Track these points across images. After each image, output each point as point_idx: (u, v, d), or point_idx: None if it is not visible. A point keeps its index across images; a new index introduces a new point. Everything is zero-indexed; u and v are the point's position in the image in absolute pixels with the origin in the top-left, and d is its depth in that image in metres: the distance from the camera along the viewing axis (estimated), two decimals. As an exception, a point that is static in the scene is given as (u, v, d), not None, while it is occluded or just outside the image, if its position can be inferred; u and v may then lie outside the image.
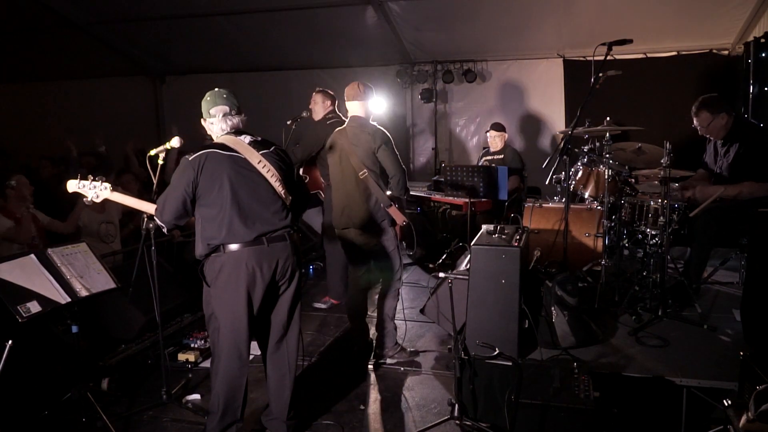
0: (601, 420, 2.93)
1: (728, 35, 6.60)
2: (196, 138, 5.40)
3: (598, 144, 5.03)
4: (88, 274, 3.31)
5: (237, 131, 2.88)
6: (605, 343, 3.77)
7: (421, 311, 4.45)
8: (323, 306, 4.95)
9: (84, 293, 3.19)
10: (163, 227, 2.88)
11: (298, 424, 3.08)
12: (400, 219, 3.84)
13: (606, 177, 4.50)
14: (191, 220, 2.87)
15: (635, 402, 3.28)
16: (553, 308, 3.69)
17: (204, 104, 2.88)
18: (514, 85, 7.77)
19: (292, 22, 7.15)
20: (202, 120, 2.92)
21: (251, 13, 6.98)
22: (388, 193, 3.83)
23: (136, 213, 3.65)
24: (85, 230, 4.96)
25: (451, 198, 5.86)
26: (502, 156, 6.37)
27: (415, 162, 8.37)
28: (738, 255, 4.86)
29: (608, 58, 4.22)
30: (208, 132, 2.94)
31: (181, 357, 3.98)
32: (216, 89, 2.90)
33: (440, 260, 6.07)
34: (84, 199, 3.08)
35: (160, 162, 3.21)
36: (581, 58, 7.19)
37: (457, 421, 3.04)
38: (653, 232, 4.25)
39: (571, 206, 4.80)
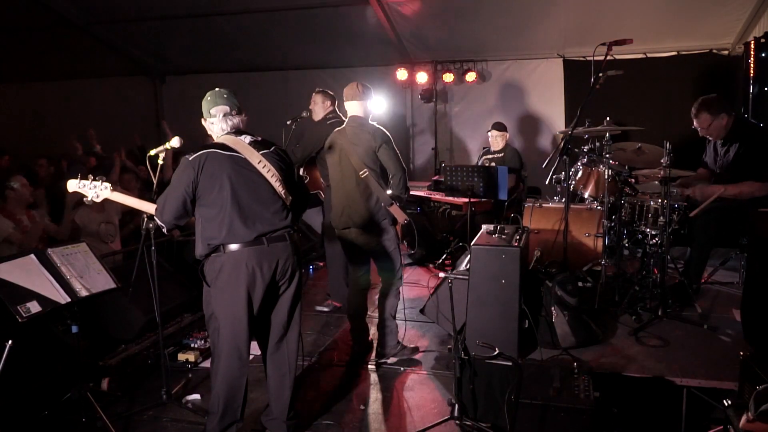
0: (601, 420, 2.93)
1: (728, 35, 6.61)
2: (197, 138, 5.41)
3: (598, 144, 5.03)
4: (88, 274, 3.31)
5: (237, 131, 2.88)
6: (605, 343, 3.78)
7: (421, 311, 4.45)
8: (325, 309, 4.93)
9: (84, 293, 3.19)
10: (163, 227, 2.88)
11: (298, 424, 3.08)
12: (401, 217, 3.84)
13: (606, 177, 4.50)
14: (191, 220, 2.87)
15: (635, 402, 3.28)
16: (553, 308, 3.69)
17: (204, 104, 2.87)
18: (514, 85, 7.78)
19: (292, 22, 7.16)
20: (202, 120, 2.92)
21: (251, 13, 6.98)
22: (389, 192, 3.83)
23: (137, 212, 3.64)
24: (85, 230, 4.96)
25: (451, 198, 5.86)
26: (502, 155, 6.38)
27: (415, 162, 8.37)
28: (738, 255, 4.86)
29: (608, 58, 4.22)
30: (209, 132, 2.94)
31: (181, 357, 3.98)
32: (216, 89, 2.90)
33: (440, 260, 6.08)
34: (84, 198, 3.08)
35: (160, 162, 3.21)
36: (581, 58, 7.20)
37: (457, 421, 3.05)
38: (653, 232, 4.25)
39: (571, 206, 4.80)
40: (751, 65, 5.72)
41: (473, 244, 3.61)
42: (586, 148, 4.97)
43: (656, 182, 4.40)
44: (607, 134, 4.60)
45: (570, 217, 4.64)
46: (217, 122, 2.86)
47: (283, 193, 2.86)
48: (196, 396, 3.51)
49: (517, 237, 3.69)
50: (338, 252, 4.49)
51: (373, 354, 4.04)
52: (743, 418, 2.18)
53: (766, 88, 5.67)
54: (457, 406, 3.06)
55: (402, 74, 7.81)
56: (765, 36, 5.56)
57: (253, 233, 2.75)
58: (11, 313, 2.86)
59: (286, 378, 2.98)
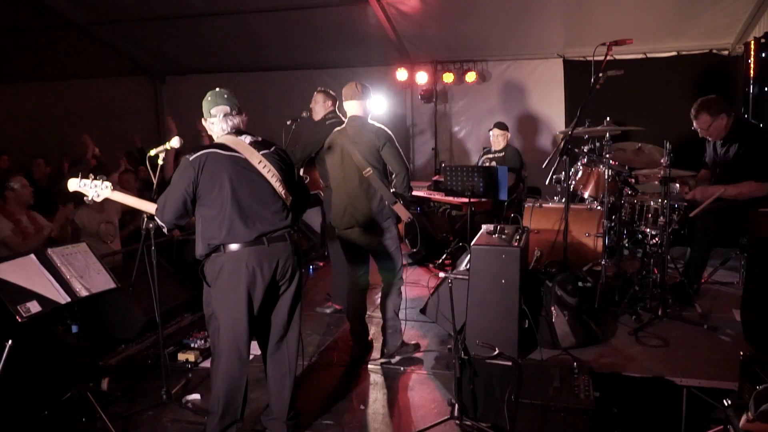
0: (601, 420, 2.93)
1: (728, 35, 6.61)
2: (199, 138, 5.41)
3: (598, 144, 5.03)
4: (88, 274, 3.31)
5: (237, 131, 2.88)
6: (605, 343, 3.78)
7: (421, 311, 4.45)
8: (326, 311, 4.93)
9: (84, 293, 3.19)
10: (163, 227, 2.88)
11: (298, 423, 3.08)
12: (405, 215, 3.85)
13: (606, 177, 4.50)
14: (191, 219, 2.87)
15: (635, 402, 3.28)
16: (553, 308, 3.69)
17: (205, 104, 2.88)
18: (514, 85, 7.78)
19: (292, 22, 7.16)
20: (202, 120, 2.92)
21: (251, 13, 6.98)
22: (392, 190, 3.84)
23: (137, 213, 3.65)
24: (85, 230, 4.96)
25: (451, 198, 5.86)
26: (503, 154, 6.38)
27: (415, 162, 8.37)
28: (738, 255, 4.86)
29: (608, 58, 4.22)
30: (209, 132, 2.94)
31: (181, 357, 3.97)
32: (217, 89, 2.90)
33: (440, 260, 6.08)
34: (85, 198, 3.08)
35: (160, 162, 3.21)
36: (581, 58, 7.20)
37: (457, 421, 3.05)
38: (653, 232, 4.25)
39: (571, 206, 4.80)
40: (751, 65, 5.73)
41: (473, 244, 3.61)
42: (586, 148, 4.96)
43: (656, 182, 4.40)
44: (607, 134, 4.60)
45: (570, 217, 4.64)
46: (217, 122, 2.86)
47: (283, 193, 2.86)
48: (196, 396, 3.51)
49: (517, 237, 3.69)
50: (341, 254, 4.49)
51: (374, 354, 4.05)
52: (743, 418, 2.19)
53: (766, 88, 5.67)
54: (457, 406, 3.06)
55: (402, 74, 7.81)
56: (765, 36, 5.57)
57: (254, 233, 2.75)
58: (11, 313, 2.86)
59: (286, 378, 2.98)
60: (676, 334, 3.83)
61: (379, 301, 5.07)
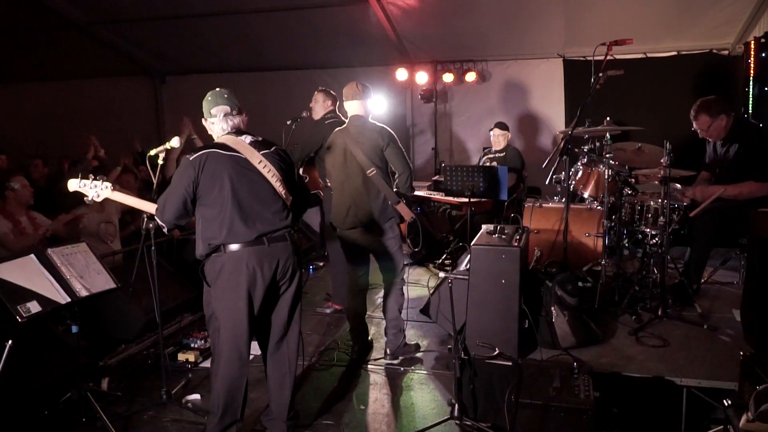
0: (601, 420, 2.93)
1: (728, 35, 6.61)
2: (200, 137, 5.41)
3: (598, 144, 5.03)
4: (88, 274, 3.30)
5: (238, 131, 2.88)
6: (605, 343, 3.78)
7: (422, 311, 4.45)
8: (326, 311, 4.93)
9: (84, 293, 3.19)
10: (163, 227, 2.88)
11: (298, 424, 3.08)
12: (408, 215, 3.85)
13: (606, 177, 4.50)
14: (192, 219, 2.87)
15: (635, 402, 3.28)
16: (553, 308, 3.69)
17: (205, 104, 2.88)
18: (514, 85, 7.78)
19: (292, 22, 7.16)
20: (203, 120, 2.92)
21: (251, 13, 6.98)
22: (394, 190, 3.84)
23: (138, 213, 3.65)
24: (85, 230, 4.96)
25: (451, 198, 5.86)
26: (503, 154, 6.39)
27: (415, 162, 8.37)
28: (738, 255, 4.86)
29: (608, 58, 4.22)
30: (209, 132, 2.94)
31: (181, 357, 3.97)
32: (217, 89, 2.90)
33: (440, 260, 6.08)
34: (85, 198, 3.08)
35: (160, 162, 3.21)
36: (581, 58, 7.20)
37: (457, 421, 3.05)
38: (653, 232, 4.25)
39: (571, 206, 4.80)
40: (751, 65, 5.73)
41: (473, 244, 3.61)
42: (586, 148, 4.97)
43: (656, 182, 4.40)
44: (607, 134, 4.60)
45: (570, 217, 4.64)
46: (217, 122, 2.86)
47: (283, 193, 2.86)
48: (196, 396, 3.51)
49: (517, 237, 3.69)
50: (341, 255, 4.49)
51: (374, 354, 4.05)
52: (743, 418, 2.19)
53: (766, 88, 5.67)
54: (457, 406, 3.06)
55: (402, 74, 7.81)
56: (765, 36, 5.57)
57: (254, 233, 2.75)
58: (11, 313, 2.86)
59: (286, 378, 2.98)
60: (676, 334, 3.83)
61: (379, 301, 5.09)
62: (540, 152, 7.49)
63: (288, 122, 4.81)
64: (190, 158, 2.73)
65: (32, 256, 3.17)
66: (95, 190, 3.06)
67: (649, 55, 7.00)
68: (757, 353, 3.00)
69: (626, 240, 4.96)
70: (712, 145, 4.62)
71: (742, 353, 2.76)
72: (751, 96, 5.78)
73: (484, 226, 3.99)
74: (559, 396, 2.88)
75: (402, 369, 3.82)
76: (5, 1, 6.80)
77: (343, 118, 4.70)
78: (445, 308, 4.09)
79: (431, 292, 4.34)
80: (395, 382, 3.69)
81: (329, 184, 4.35)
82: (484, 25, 6.90)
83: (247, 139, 2.86)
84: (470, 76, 7.69)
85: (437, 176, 6.86)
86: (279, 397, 2.99)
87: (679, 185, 4.45)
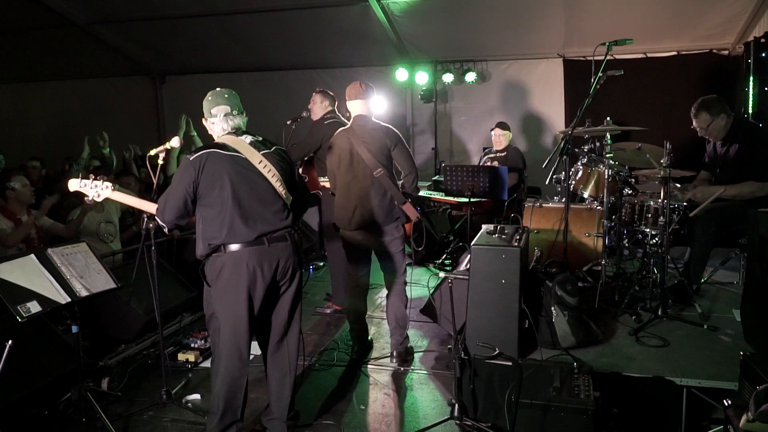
0: (601, 420, 2.93)
1: (728, 35, 6.61)
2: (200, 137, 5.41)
3: (598, 144, 5.02)
4: (88, 274, 3.31)
5: (238, 131, 2.88)
6: (605, 343, 3.78)
7: (422, 311, 4.45)
8: (326, 311, 4.92)
9: (84, 293, 3.19)
10: (164, 227, 2.88)
11: (298, 424, 3.08)
12: (413, 215, 3.85)
13: (606, 177, 4.50)
14: (192, 219, 2.87)
15: (635, 402, 3.28)
16: (553, 308, 3.69)
17: (205, 104, 2.88)
18: (514, 85, 7.78)
19: (292, 22, 7.16)
20: (203, 119, 2.92)
21: (251, 13, 6.98)
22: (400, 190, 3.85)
23: (139, 215, 3.65)
24: (85, 230, 4.96)
25: (451, 198, 5.86)
26: (504, 154, 6.39)
27: (415, 162, 8.36)
28: (738, 255, 4.86)
29: (608, 57, 4.22)
30: (209, 132, 2.94)
31: (181, 357, 3.97)
32: (217, 89, 2.90)
33: (440, 260, 6.08)
34: (85, 198, 3.08)
35: (160, 162, 3.21)
36: (581, 58, 7.20)
37: (457, 421, 3.05)
38: (653, 232, 4.25)
39: (571, 206, 4.81)
40: (751, 65, 5.73)
41: (473, 244, 3.61)
42: (586, 148, 4.97)
43: (656, 182, 4.40)
44: (607, 134, 4.60)
45: (570, 217, 4.64)
46: (218, 122, 2.86)
47: (283, 193, 2.86)
48: (196, 396, 3.51)
49: (517, 237, 3.69)
50: (341, 255, 4.48)
51: (374, 354, 4.05)
52: (743, 418, 2.18)
53: (766, 88, 5.67)
54: (457, 406, 3.06)
55: (402, 74, 7.82)
56: (765, 36, 5.57)
57: (254, 233, 2.75)
58: (11, 313, 2.86)
59: (286, 378, 2.98)
60: (676, 334, 3.83)
61: (379, 301, 5.10)
62: (540, 152, 7.49)
63: (288, 122, 4.81)
64: (191, 158, 2.73)
65: (32, 256, 3.17)
66: (95, 189, 3.06)
67: (649, 55, 7.00)
68: (757, 353, 3.00)
69: (626, 240, 4.96)
70: (712, 144, 4.62)
71: (742, 353, 2.76)
72: (751, 96, 5.78)
73: (484, 226, 3.99)
74: (559, 396, 2.88)
75: (402, 369, 3.82)
76: (5, 1, 6.80)
77: (342, 119, 4.71)
78: (445, 308, 4.09)
79: (431, 292, 4.34)
80: (395, 382, 3.69)
81: (327, 185, 4.35)
82: (484, 25, 6.90)
83: (248, 139, 2.86)
84: (470, 76, 7.69)
85: (437, 176, 6.87)
86: (279, 397, 2.99)
87: (678, 185, 4.45)
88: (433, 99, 8.00)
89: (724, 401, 2.46)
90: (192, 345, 4.10)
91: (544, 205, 5.12)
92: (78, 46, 8.00)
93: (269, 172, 2.82)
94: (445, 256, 6.11)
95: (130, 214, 5.50)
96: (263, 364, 3.05)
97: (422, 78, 7.84)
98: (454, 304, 3.25)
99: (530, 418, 2.89)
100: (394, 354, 3.90)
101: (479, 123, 7.94)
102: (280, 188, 2.84)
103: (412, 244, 4.08)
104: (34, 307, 2.95)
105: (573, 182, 4.85)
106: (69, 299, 3.10)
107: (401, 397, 3.51)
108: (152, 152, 3.25)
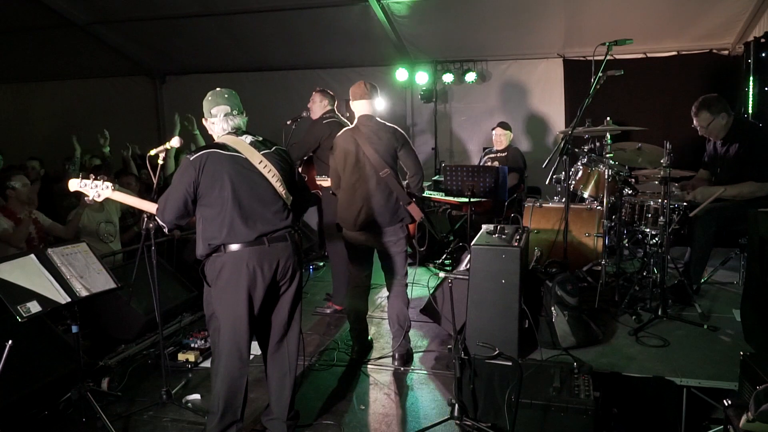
0: (601, 420, 2.93)
1: (728, 35, 6.61)
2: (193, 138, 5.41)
3: (598, 144, 5.03)
4: (88, 274, 3.31)
5: (238, 131, 2.88)
6: (605, 343, 3.78)
7: (422, 311, 4.45)
8: (326, 311, 4.92)
9: (84, 293, 3.19)
10: (164, 227, 2.88)
11: (298, 424, 3.08)
12: (418, 215, 3.85)
13: (606, 177, 4.50)
14: (192, 219, 2.87)
15: (635, 402, 3.28)
16: (553, 308, 3.69)
17: (205, 104, 2.88)
18: (514, 85, 7.78)
19: (293, 22, 7.16)
20: (203, 119, 2.92)
21: (251, 12, 6.98)
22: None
23: (140, 216, 3.64)
24: (85, 230, 4.96)
25: (451, 198, 5.86)
26: (505, 154, 6.39)
27: (419, 163, 8.37)
28: (738, 255, 4.86)
29: (608, 57, 4.22)
30: (209, 131, 2.94)
31: (181, 357, 3.97)
32: (218, 89, 2.90)
33: (440, 260, 6.08)
34: (85, 198, 3.08)
35: (160, 162, 3.21)
36: (581, 58, 7.20)
37: (457, 421, 3.05)
38: (653, 232, 4.25)
39: (571, 206, 4.80)
40: (751, 65, 5.73)
41: (473, 244, 3.60)
42: (586, 148, 4.97)
43: (656, 182, 4.40)
44: (608, 134, 4.60)
45: (570, 217, 4.64)
46: (218, 122, 2.86)
47: (283, 193, 2.86)
48: (196, 396, 3.51)
49: (517, 237, 3.69)
50: (342, 255, 4.47)
51: (374, 354, 4.05)
52: (743, 418, 2.18)
53: (766, 88, 5.67)
54: (457, 406, 3.06)
55: (402, 74, 7.82)
56: (765, 36, 5.56)
57: (254, 233, 2.75)
58: (11, 313, 2.86)
59: (286, 378, 2.98)
60: (676, 334, 3.83)
61: (379, 301, 5.10)
62: (540, 152, 7.49)
63: (288, 122, 4.81)
64: (191, 158, 2.73)
65: (32, 256, 3.17)
66: (96, 190, 3.06)
67: (649, 55, 7.00)
68: (757, 353, 3.00)
69: (626, 240, 4.96)
70: (712, 144, 4.62)
71: (742, 353, 2.76)
72: (751, 96, 5.78)
73: (484, 226, 3.99)
74: (559, 396, 2.88)
75: (402, 369, 3.82)
76: (5, 1, 6.80)
77: (342, 118, 4.71)
78: (445, 308, 4.10)
79: (431, 292, 4.34)
80: (395, 382, 3.69)
81: (325, 184, 4.35)
82: (484, 25, 6.90)
83: (248, 138, 2.86)
84: (470, 76, 7.69)
85: (437, 176, 6.87)
86: (279, 397, 2.99)
87: (676, 184, 4.45)
88: (433, 99, 8.00)
89: (724, 401, 2.46)
90: (192, 345, 4.10)
91: (544, 205, 5.12)
92: (78, 46, 8.00)
93: (269, 172, 2.81)
94: (445, 256, 6.11)
95: (131, 215, 5.50)
96: (263, 364, 3.05)
97: (422, 78, 7.84)
98: (454, 304, 3.25)
99: (530, 418, 2.89)
100: (396, 356, 3.90)
101: (479, 123, 7.94)
102: (280, 188, 2.84)
103: (415, 245, 4.07)
104: (34, 307, 2.95)
105: (573, 182, 4.85)
106: (69, 299, 3.10)
107: (401, 397, 3.51)
108: (152, 152, 3.25)
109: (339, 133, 3.93)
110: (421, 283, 5.44)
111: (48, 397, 3.35)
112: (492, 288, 3.48)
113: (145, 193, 5.56)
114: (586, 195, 4.89)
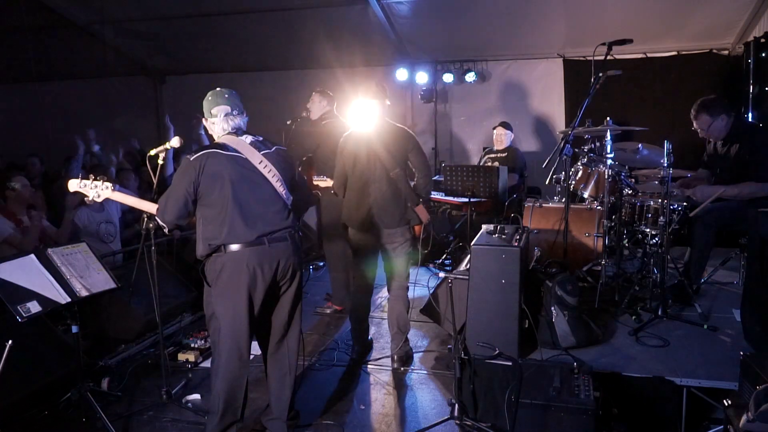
0: (601, 420, 2.93)
1: (728, 35, 6.61)
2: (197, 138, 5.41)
3: (598, 144, 5.02)
4: (88, 274, 3.31)
5: (238, 131, 2.88)
6: (605, 343, 3.78)
7: (422, 311, 4.45)
8: (326, 311, 4.92)
9: (84, 293, 3.19)
10: (164, 227, 2.88)
11: (298, 424, 3.08)
12: (425, 217, 3.86)
13: (606, 177, 4.50)
14: (192, 219, 2.87)
15: (635, 402, 3.28)
16: (553, 308, 3.69)
17: (206, 104, 2.88)
18: (514, 85, 7.78)
19: (292, 22, 7.16)
20: (203, 119, 2.92)
21: (251, 13, 6.98)
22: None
23: (140, 216, 3.65)
24: (85, 230, 4.96)
25: (451, 198, 5.85)
26: (505, 154, 6.39)
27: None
28: (738, 255, 4.86)
29: (608, 58, 4.22)
30: (210, 131, 2.94)
31: (181, 357, 3.97)
32: (218, 89, 2.90)
33: (440, 260, 6.07)
34: (85, 198, 3.08)
35: (160, 162, 3.21)
36: (581, 58, 7.20)
37: (457, 421, 3.04)
38: (653, 232, 4.25)
39: (571, 206, 4.80)
40: (751, 65, 5.72)
41: (473, 244, 3.61)
42: (586, 148, 4.97)
43: (656, 182, 4.40)
44: (608, 134, 4.60)
45: (570, 217, 4.64)
46: (218, 122, 2.86)
47: (284, 193, 2.86)
48: (196, 396, 3.51)
49: (517, 237, 3.69)
50: (340, 255, 4.46)
51: (374, 354, 4.05)
52: (743, 418, 2.18)
53: (766, 88, 5.67)
54: (457, 406, 3.06)
55: (402, 74, 7.81)
56: (765, 36, 5.56)
57: (254, 233, 2.75)
58: (11, 313, 2.86)
59: (286, 378, 2.99)
60: (676, 334, 3.83)
61: (379, 301, 5.09)
62: (540, 152, 7.49)
63: (288, 122, 4.81)
64: (191, 158, 2.74)
65: (32, 256, 3.17)
66: (96, 190, 3.06)
67: (649, 55, 7.00)
68: (757, 353, 3.00)
69: (626, 240, 4.95)
70: (712, 144, 4.62)
71: (742, 353, 2.76)
72: (751, 96, 5.78)
73: (484, 226, 3.99)
74: (559, 396, 2.88)
75: (402, 369, 3.82)
76: (5, 1, 6.80)
77: (341, 119, 4.71)
78: (445, 308, 4.10)
79: (431, 292, 4.34)
80: (395, 382, 3.69)
81: (324, 184, 4.35)
82: (484, 25, 6.90)
83: (248, 138, 2.87)
84: (470, 76, 7.69)
85: (437, 176, 6.86)
86: (279, 397, 2.99)
87: (675, 183, 4.45)
88: (433, 99, 8.00)
89: (724, 401, 2.47)
90: (192, 345, 4.10)
91: (544, 205, 5.12)
92: (78, 46, 8.00)
93: (269, 172, 2.82)
94: (445, 256, 6.10)
95: (131, 214, 5.50)
96: (263, 364, 3.05)
97: (422, 78, 7.84)
98: (454, 304, 3.25)
99: (530, 418, 2.89)
100: (395, 358, 3.89)
101: (479, 123, 7.94)
102: (280, 188, 2.84)
103: (419, 246, 4.07)
104: (34, 307, 2.95)
105: (573, 182, 4.85)
106: (69, 299, 3.10)
107: (401, 397, 3.51)
108: (152, 152, 3.25)
109: (347, 133, 3.93)
110: (421, 283, 5.44)
111: (48, 397, 3.35)
112: (492, 288, 3.48)
113: (146, 192, 5.56)
114: (586, 195, 4.89)
